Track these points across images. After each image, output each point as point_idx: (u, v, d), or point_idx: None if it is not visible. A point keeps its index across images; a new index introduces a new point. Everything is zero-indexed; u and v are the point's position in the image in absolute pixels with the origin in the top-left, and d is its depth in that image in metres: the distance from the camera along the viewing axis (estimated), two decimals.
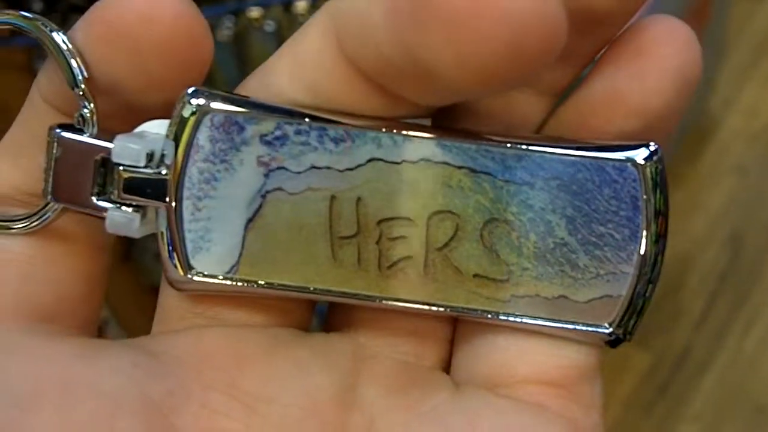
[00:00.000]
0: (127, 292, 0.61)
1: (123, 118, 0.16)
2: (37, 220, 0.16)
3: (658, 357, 0.82)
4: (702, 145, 0.98)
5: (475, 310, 0.16)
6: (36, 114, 0.16)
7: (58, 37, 0.15)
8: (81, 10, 0.15)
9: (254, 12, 0.62)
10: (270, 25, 0.61)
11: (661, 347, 0.83)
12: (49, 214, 0.16)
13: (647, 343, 0.83)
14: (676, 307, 0.85)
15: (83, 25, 0.15)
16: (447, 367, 0.18)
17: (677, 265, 0.88)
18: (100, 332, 0.65)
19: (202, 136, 0.15)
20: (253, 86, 0.16)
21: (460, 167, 0.16)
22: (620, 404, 0.80)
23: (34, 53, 0.56)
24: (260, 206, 0.16)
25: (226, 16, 0.63)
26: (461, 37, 0.13)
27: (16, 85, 0.17)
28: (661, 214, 0.16)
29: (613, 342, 0.16)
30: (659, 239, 0.16)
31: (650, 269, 0.16)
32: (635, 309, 0.16)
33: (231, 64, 0.61)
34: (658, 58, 0.15)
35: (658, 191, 0.16)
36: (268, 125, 0.15)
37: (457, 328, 0.18)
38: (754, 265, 0.88)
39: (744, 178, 0.95)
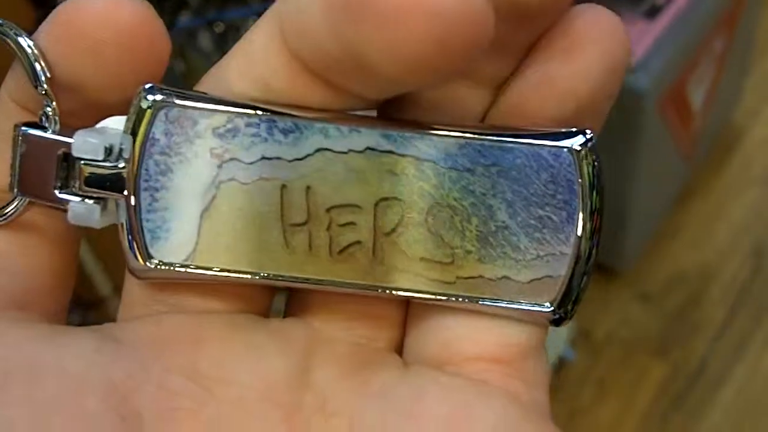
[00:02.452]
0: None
1: (86, 115, 0.17)
2: (5, 212, 0.17)
3: (676, 368, 0.81)
4: (727, 156, 0.97)
5: (423, 292, 0.17)
6: (3, 113, 0.17)
7: (23, 41, 0.16)
8: None
9: None
10: None
11: (679, 359, 0.82)
12: (15, 207, 0.17)
13: (665, 354, 0.82)
14: (695, 319, 0.84)
15: (46, 26, 0.16)
16: (400, 349, 0.18)
17: (699, 276, 0.88)
18: (103, 306, 0.66)
19: (158, 130, 0.16)
20: (209, 83, 0.17)
21: (404, 155, 0.16)
22: (637, 415, 0.79)
23: None
24: (214, 196, 0.16)
25: (251, 18, 0.64)
26: (390, 30, 0.13)
27: None
28: (597, 211, 0.16)
29: (556, 321, 0.17)
30: (594, 232, 0.17)
31: (587, 250, 0.17)
32: (575, 288, 0.17)
33: None
34: (586, 43, 0.16)
35: (593, 183, 0.16)
36: (219, 119, 0.16)
37: (408, 310, 0.18)
38: None
39: None
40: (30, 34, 0.16)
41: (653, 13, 0.74)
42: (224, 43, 0.63)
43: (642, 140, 0.74)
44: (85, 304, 0.69)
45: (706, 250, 0.89)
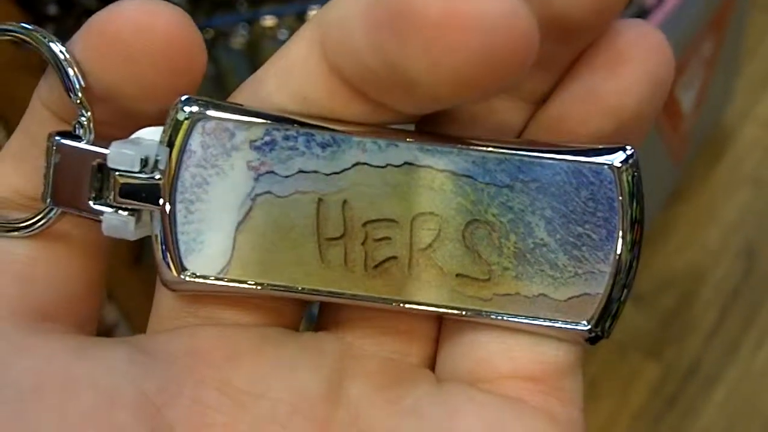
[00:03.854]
0: (138, 294, 0.61)
1: (120, 124, 0.17)
2: (38, 223, 0.17)
3: (668, 369, 0.82)
4: (717, 156, 0.98)
5: (458, 308, 0.17)
6: (37, 120, 0.17)
7: (56, 47, 0.16)
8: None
9: (268, 20, 0.63)
10: (284, 34, 0.62)
11: (672, 359, 0.82)
12: (49, 217, 0.17)
13: (658, 355, 0.83)
14: (687, 319, 0.85)
15: (81, 34, 0.16)
16: (433, 365, 0.18)
17: (690, 277, 0.88)
18: (110, 334, 0.65)
19: (195, 142, 0.16)
20: (245, 95, 0.17)
21: (442, 170, 0.16)
22: (629, 416, 0.80)
23: None
24: (250, 209, 0.16)
25: (241, 24, 0.63)
26: (435, 47, 0.13)
27: (33, 85, 0.17)
28: (637, 221, 0.16)
29: (592, 339, 0.17)
30: (635, 244, 0.16)
31: (627, 268, 0.16)
32: (612, 307, 0.17)
33: (244, 71, 0.62)
34: (631, 60, 0.16)
35: (633, 195, 0.16)
36: (257, 131, 0.16)
37: (442, 326, 0.18)
38: (767, 278, 0.87)
39: (759, 190, 0.95)
40: (51, 36, 0.16)
41: (642, 15, 0.74)
42: (213, 49, 0.63)
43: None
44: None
45: (697, 251, 0.89)
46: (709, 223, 0.92)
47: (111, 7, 0.16)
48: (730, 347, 0.82)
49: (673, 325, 0.84)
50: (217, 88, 0.63)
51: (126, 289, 0.63)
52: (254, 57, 0.63)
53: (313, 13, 0.61)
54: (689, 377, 0.81)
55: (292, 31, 0.61)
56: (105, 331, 0.65)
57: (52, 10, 0.60)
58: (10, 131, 0.18)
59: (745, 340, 0.83)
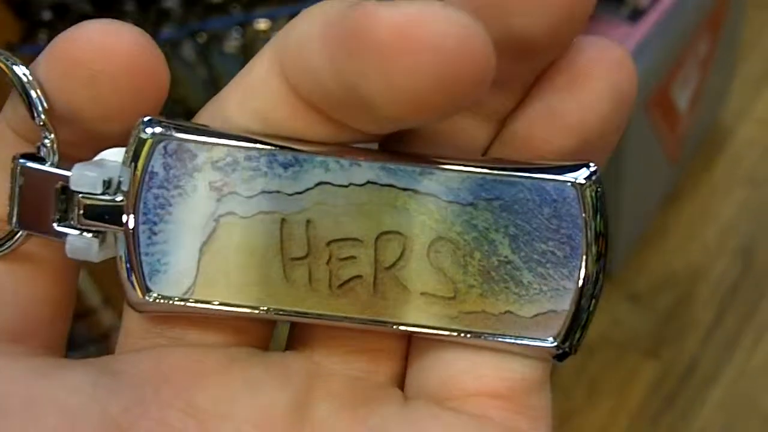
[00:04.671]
0: None
1: (85, 145, 0.17)
2: (3, 245, 0.17)
3: (666, 368, 0.82)
4: (714, 156, 0.97)
5: (424, 326, 0.17)
6: (2, 142, 0.17)
7: (19, 70, 0.16)
8: (90, 18, 0.16)
9: (261, 24, 0.63)
10: None
11: (669, 358, 0.82)
12: (14, 239, 0.17)
13: (655, 354, 0.82)
14: (685, 318, 0.85)
15: (44, 57, 0.16)
16: (401, 383, 0.18)
17: (687, 276, 0.88)
18: (107, 339, 0.65)
19: (157, 163, 0.16)
20: (208, 114, 0.17)
21: (405, 189, 0.16)
22: (627, 415, 0.80)
23: None
24: (214, 230, 0.16)
25: (234, 28, 0.64)
26: (390, 69, 0.13)
27: None
28: (601, 235, 0.16)
29: (560, 356, 0.17)
30: (600, 257, 0.16)
31: (592, 285, 0.16)
32: (579, 323, 0.17)
33: None
34: (593, 77, 0.16)
35: (596, 210, 0.16)
36: (219, 152, 0.16)
37: (409, 344, 0.18)
38: (764, 277, 0.87)
39: (756, 190, 0.95)
40: (15, 47, 0.16)
41: (636, 16, 0.74)
42: (207, 53, 0.63)
43: (628, 144, 0.74)
44: (74, 315, 0.68)
45: (695, 251, 0.89)
46: (706, 223, 0.92)
47: (73, 28, 0.16)
48: (727, 346, 0.82)
49: (671, 325, 0.84)
50: (210, 91, 0.63)
51: (108, 273, 0.63)
52: (248, 60, 0.63)
53: None
54: (687, 376, 0.81)
55: None
56: (102, 334, 0.65)
57: (47, 15, 0.61)
58: None
59: (742, 338, 0.83)
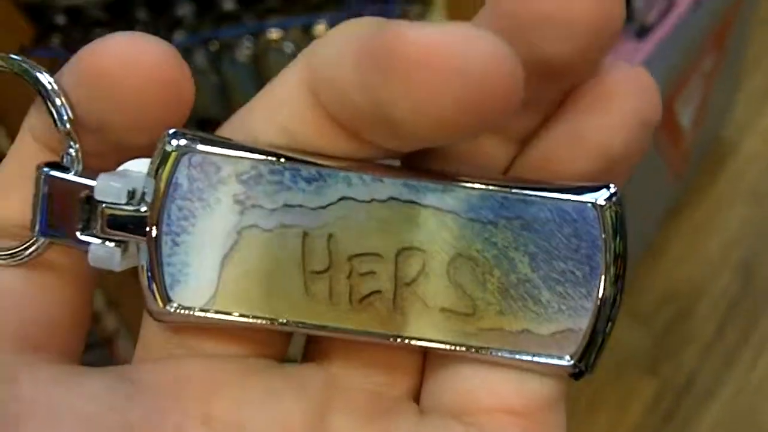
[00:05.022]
0: (139, 302, 0.61)
1: (109, 156, 0.17)
2: (26, 252, 0.17)
3: (665, 384, 0.82)
4: (717, 171, 0.98)
5: (443, 342, 0.17)
6: (26, 151, 0.17)
7: (44, 78, 0.16)
8: (103, 24, 0.16)
9: (273, 33, 0.63)
10: (289, 47, 0.62)
11: (668, 374, 0.82)
12: (37, 246, 0.17)
13: (654, 371, 0.82)
14: (684, 333, 0.85)
15: (69, 67, 0.16)
16: (417, 397, 0.18)
17: (688, 290, 0.88)
18: (111, 343, 0.65)
19: (181, 175, 0.16)
20: (232, 128, 0.17)
21: (426, 206, 0.16)
22: (626, 430, 0.80)
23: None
24: (235, 242, 0.16)
25: (246, 37, 0.64)
26: (417, 89, 0.13)
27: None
28: (620, 256, 0.16)
29: (576, 374, 0.17)
30: (618, 278, 0.17)
31: (610, 305, 0.17)
32: (596, 342, 0.17)
33: (250, 84, 0.62)
34: (618, 100, 0.16)
35: (616, 232, 0.16)
36: (243, 165, 0.16)
37: (426, 359, 0.18)
38: (765, 292, 0.87)
39: (759, 205, 0.95)
40: (28, 51, 0.16)
41: (643, 33, 0.74)
42: (219, 61, 0.63)
43: None
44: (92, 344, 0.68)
45: (696, 266, 0.89)
46: (709, 237, 0.92)
47: (99, 41, 0.16)
48: (727, 362, 0.82)
49: (670, 340, 0.84)
50: (222, 99, 0.63)
51: (127, 298, 0.63)
52: (260, 69, 0.63)
53: (319, 27, 0.61)
54: (686, 392, 0.81)
55: (298, 43, 0.61)
56: (106, 338, 0.65)
57: (60, 20, 0.61)
58: (12, 135, 0.18)
59: (742, 354, 0.83)
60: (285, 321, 0.17)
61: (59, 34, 0.61)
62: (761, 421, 0.78)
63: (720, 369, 0.82)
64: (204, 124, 0.15)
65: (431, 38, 0.13)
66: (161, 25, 0.61)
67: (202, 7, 0.64)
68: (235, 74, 0.64)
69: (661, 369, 0.82)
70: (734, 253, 0.91)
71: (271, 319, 0.17)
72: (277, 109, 0.16)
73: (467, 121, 0.14)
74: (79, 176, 0.17)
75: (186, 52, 0.62)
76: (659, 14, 0.75)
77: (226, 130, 0.17)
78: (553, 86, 0.16)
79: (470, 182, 0.16)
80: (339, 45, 0.15)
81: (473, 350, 0.17)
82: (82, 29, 0.59)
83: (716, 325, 0.85)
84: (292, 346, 0.19)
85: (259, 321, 0.17)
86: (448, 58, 0.13)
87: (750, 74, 1.01)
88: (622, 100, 0.16)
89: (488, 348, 0.17)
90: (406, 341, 0.17)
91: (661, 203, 0.91)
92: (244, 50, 0.64)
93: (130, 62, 0.16)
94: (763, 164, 0.98)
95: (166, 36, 0.60)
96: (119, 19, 0.59)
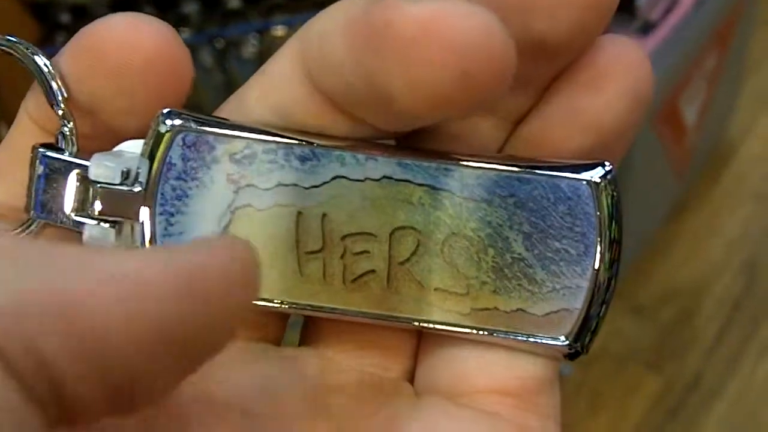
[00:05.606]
0: None
1: (104, 139, 0.17)
2: (21, 234, 0.17)
3: (670, 382, 0.82)
4: (720, 171, 0.97)
5: (436, 322, 0.17)
6: (22, 132, 0.17)
7: (40, 60, 0.16)
8: None
9: (279, 30, 0.64)
10: None
11: (673, 372, 0.82)
12: (31, 228, 0.17)
13: (659, 368, 0.82)
14: (689, 332, 0.85)
15: (68, 48, 0.16)
16: (412, 378, 0.18)
17: (692, 291, 0.88)
18: None
19: (175, 155, 0.16)
20: (229, 108, 0.17)
21: (420, 185, 0.16)
22: (631, 428, 0.79)
23: None
24: (230, 221, 0.16)
25: (252, 34, 0.64)
26: (412, 64, 0.13)
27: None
28: (615, 241, 0.16)
29: (571, 354, 0.17)
30: (613, 262, 0.16)
31: (605, 287, 0.16)
32: (591, 322, 0.17)
33: None
34: (612, 76, 0.16)
35: (611, 210, 0.16)
36: (237, 144, 0.16)
37: (420, 340, 0.18)
38: None
39: (762, 205, 0.95)
40: (35, 48, 0.17)
41: (646, 30, 0.74)
42: (224, 59, 0.63)
43: (635, 156, 0.74)
44: None
45: (699, 264, 0.89)
46: (712, 237, 0.92)
47: (98, 21, 0.16)
48: (731, 360, 0.82)
49: (675, 338, 0.84)
50: (227, 97, 0.63)
51: None
52: None
53: None
54: (690, 390, 0.81)
55: None
56: None
57: (65, 18, 0.61)
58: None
59: (746, 353, 0.83)
60: (280, 302, 0.17)
61: (64, 32, 0.62)
62: (766, 419, 0.78)
63: (724, 367, 0.82)
64: None
65: (425, 12, 0.13)
66: (167, 22, 0.61)
67: (207, 5, 0.64)
68: (241, 71, 0.64)
69: (665, 366, 0.82)
70: (737, 252, 0.91)
71: (265, 300, 0.17)
72: (271, 90, 0.16)
73: (460, 95, 0.14)
74: (74, 157, 0.17)
75: (192, 50, 0.62)
76: (663, 11, 0.75)
77: (223, 112, 0.17)
78: (547, 66, 0.16)
79: (464, 161, 0.16)
80: (331, 23, 0.15)
81: (468, 330, 0.17)
82: None
83: (720, 324, 0.85)
84: (292, 332, 0.19)
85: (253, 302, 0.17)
86: (442, 32, 0.13)
87: (752, 76, 1.01)
88: (615, 77, 0.16)
89: (483, 328, 0.17)
90: (401, 321, 0.17)
91: (664, 200, 0.91)
92: (250, 47, 0.64)
93: (130, 42, 0.16)
94: (766, 165, 0.98)
95: None
96: None
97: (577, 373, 0.81)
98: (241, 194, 0.16)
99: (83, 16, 0.62)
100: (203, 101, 0.64)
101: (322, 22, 0.15)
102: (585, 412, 0.80)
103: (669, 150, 0.83)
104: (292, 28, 0.64)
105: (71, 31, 0.61)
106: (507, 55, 0.13)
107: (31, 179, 0.17)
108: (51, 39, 0.61)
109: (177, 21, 0.62)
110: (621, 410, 0.80)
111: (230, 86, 0.64)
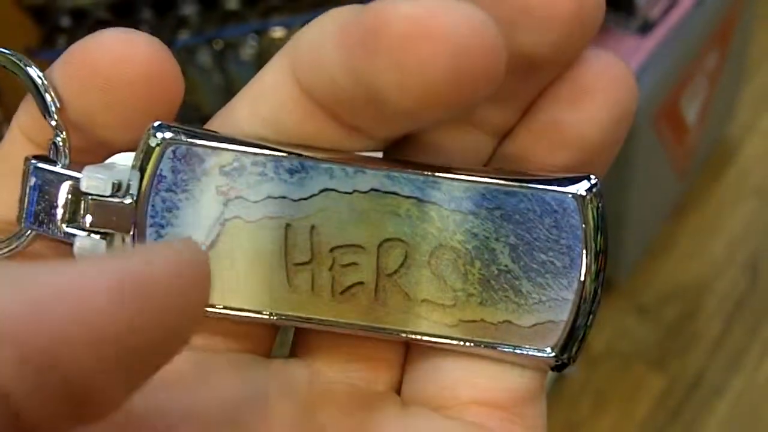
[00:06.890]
0: None
1: (96, 153, 0.17)
2: (12, 245, 0.17)
3: (673, 380, 0.81)
4: (722, 169, 0.97)
5: (424, 334, 0.17)
6: (14, 145, 0.17)
7: (33, 72, 0.17)
8: (108, 25, 0.16)
9: (277, 32, 0.64)
10: None
11: (676, 371, 0.82)
12: (22, 239, 0.17)
13: (662, 366, 0.82)
14: (691, 331, 0.85)
15: (60, 63, 0.16)
16: (399, 389, 0.18)
17: (694, 289, 0.88)
18: None
19: (165, 167, 0.16)
20: (219, 122, 0.17)
21: (408, 197, 0.16)
22: (635, 427, 0.79)
23: None
24: (219, 234, 0.17)
25: (250, 36, 0.64)
26: (405, 61, 0.13)
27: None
28: (601, 252, 0.16)
29: (558, 366, 0.17)
30: (599, 273, 0.17)
31: (591, 299, 0.17)
32: (577, 334, 0.17)
33: None
34: (595, 91, 0.16)
35: (597, 223, 0.16)
36: (226, 157, 0.16)
37: (408, 351, 0.18)
38: None
39: (764, 203, 0.94)
40: (34, 52, 0.17)
41: (646, 29, 0.74)
42: (223, 60, 0.63)
43: (636, 156, 0.74)
44: None
45: (702, 263, 0.89)
46: (714, 236, 0.92)
47: (89, 36, 0.16)
48: (734, 359, 0.82)
49: (678, 337, 0.84)
50: (226, 98, 0.63)
51: None
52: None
53: None
54: (694, 389, 0.81)
55: None
56: None
57: (65, 21, 0.61)
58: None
59: (749, 352, 0.83)
60: (268, 314, 0.17)
61: (65, 35, 0.62)
62: None
63: (727, 366, 0.82)
64: (207, 121, 0.15)
65: (417, 10, 0.13)
66: (166, 24, 0.61)
67: (206, 7, 0.64)
68: (240, 73, 0.64)
69: (669, 365, 0.82)
70: (739, 251, 0.91)
71: (254, 312, 0.17)
72: (261, 101, 0.16)
73: (453, 93, 0.14)
74: (66, 169, 0.17)
75: (190, 52, 0.63)
76: (662, 10, 0.75)
77: (214, 123, 0.17)
78: (532, 81, 0.16)
79: (452, 173, 0.16)
80: (320, 30, 0.15)
81: (455, 342, 0.17)
82: (88, 30, 0.60)
83: (723, 322, 0.85)
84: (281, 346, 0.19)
85: (242, 313, 0.17)
86: (434, 29, 0.13)
87: (753, 74, 1.00)
88: (599, 92, 0.16)
89: (470, 340, 0.17)
90: (388, 333, 0.17)
91: (666, 200, 0.91)
92: (248, 49, 0.64)
93: (121, 58, 0.16)
94: (767, 163, 0.98)
95: (171, 35, 0.60)
96: (124, 20, 0.59)
97: (582, 372, 0.81)
98: (231, 206, 0.16)
99: (83, 19, 0.62)
100: (202, 102, 0.64)
101: (312, 30, 0.15)
102: (589, 411, 0.80)
103: (670, 149, 0.83)
104: (291, 29, 0.64)
105: (71, 34, 0.61)
106: (498, 50, 0.14)
107: (23, 190, 0.17)
108: (51, 42, 0.61)
109: (176, 22, 0.63)
110: (625, 409, 0.80)
111: (228, 87, 0.64)
